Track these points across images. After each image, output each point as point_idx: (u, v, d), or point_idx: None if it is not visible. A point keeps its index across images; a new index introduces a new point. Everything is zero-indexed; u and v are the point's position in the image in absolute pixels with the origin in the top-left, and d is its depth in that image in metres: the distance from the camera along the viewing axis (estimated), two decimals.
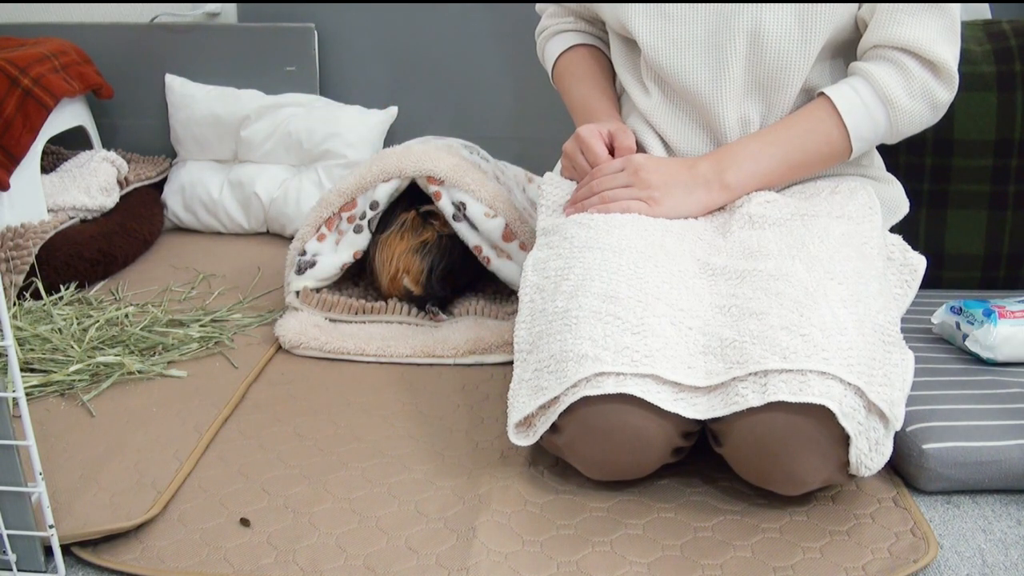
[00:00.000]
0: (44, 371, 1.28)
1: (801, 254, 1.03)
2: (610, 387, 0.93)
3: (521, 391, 1.00)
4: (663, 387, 0.94)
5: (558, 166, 1.27)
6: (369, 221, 1.42)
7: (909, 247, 1.17)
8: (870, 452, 0.93)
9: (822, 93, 1.13)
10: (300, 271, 1.43)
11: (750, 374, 0.92)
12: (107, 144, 1.98)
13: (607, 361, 0.93)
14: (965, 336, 1.23)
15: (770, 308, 0.96)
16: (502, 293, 1.52)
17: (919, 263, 1.16)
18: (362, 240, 1.43)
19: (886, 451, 0.95)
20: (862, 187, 1.17)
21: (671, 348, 0.96)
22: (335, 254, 1.43)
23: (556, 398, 0.96)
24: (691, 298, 1.02)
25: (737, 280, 1.03)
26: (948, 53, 1.10)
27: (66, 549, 0.92)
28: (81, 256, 1.61)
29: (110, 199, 1.75)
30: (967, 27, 1.53)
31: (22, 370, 1.29)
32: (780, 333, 0.93)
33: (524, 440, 1.00)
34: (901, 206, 1.27)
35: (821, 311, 0.95)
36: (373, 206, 1.41)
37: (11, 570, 0.89)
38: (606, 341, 0.95)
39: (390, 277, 1.44)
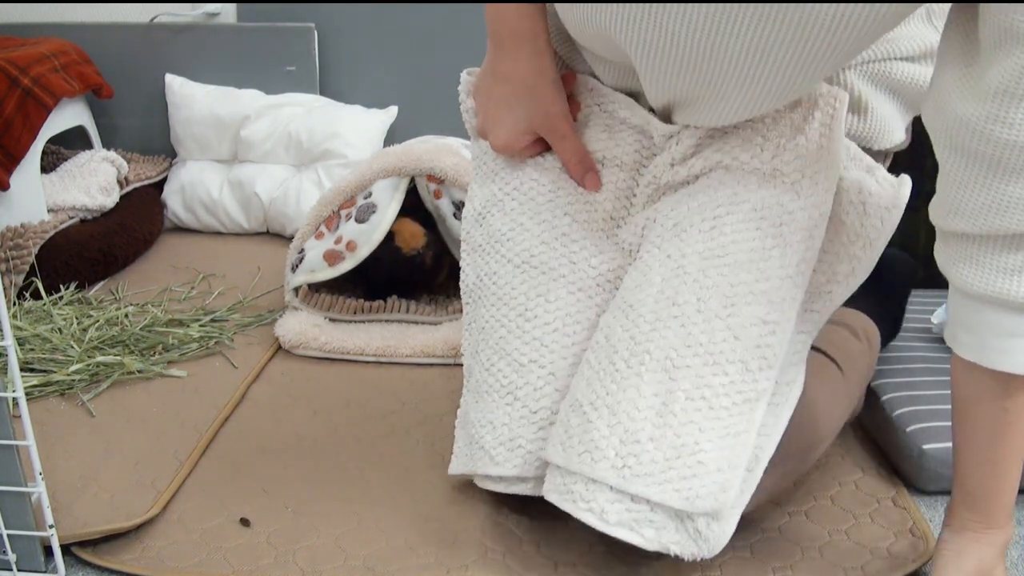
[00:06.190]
0: (44, 371, 1.28)
1: (675, 293, 0.86)
2: (501, 487, 0.94)
3: (459, 437, 0.99)
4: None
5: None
6: (358, 210, 1.41)
7: (885, 186, 0.84)
8: (688, 541, 0.82)
9: None
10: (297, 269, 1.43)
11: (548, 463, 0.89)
12: (107, 144, 1.98)
13: (500, 462, 0.93)
14: None
15: (597, 374, 0.86)
16: None
17: (887, 214, 0.84)
18: (351, 230, 1.42)
19: (719, 533, 0.82)
20: (829, 119, 0.86)
21: (553, 434, 0.89)
22: (321, 245, 1.43)
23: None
24: (578, 340, 0.94)
25: (622, 313, 0.89)
26: None
27: (66, 549, 0.92)
28: (81, 256, 1.61)
29: (110, 199, 1.75)
30: None
31: (22, 370, 1.29)
32: (572, 414, 0.86)
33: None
34: (889, 130, 0.95)
35: (628, 393, 0.83)
36: (367, 196, 1.41)
37: (11, 570, 0.89)
38: (505, 432, 0.93)
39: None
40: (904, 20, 0.84)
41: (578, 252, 0.96)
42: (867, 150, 0.91)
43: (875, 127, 0.93)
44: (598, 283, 0.95)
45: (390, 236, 1.41)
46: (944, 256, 0.77)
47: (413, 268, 1.46)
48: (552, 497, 0.86)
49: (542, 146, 0.98)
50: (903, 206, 0.83)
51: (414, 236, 1.44)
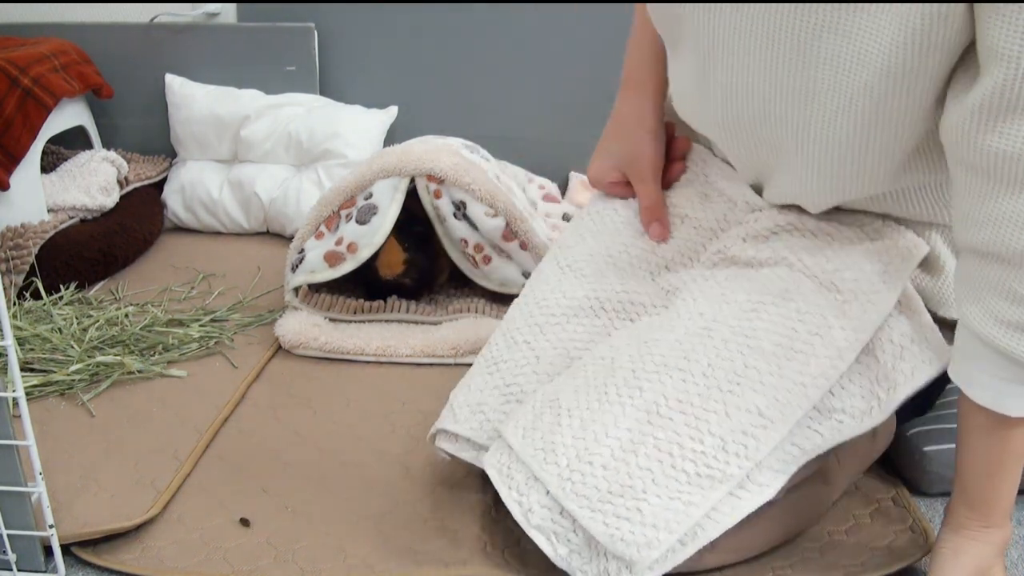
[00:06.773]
0: (44, 371, 1.28)
1: (691, 349, 0.87)
2: (454, 448, 0.96)
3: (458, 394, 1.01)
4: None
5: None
6: (359, 211, 1.41)
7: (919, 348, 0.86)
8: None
9: None
10: (297, 269, 1.43)
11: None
12: (107, 144, 1.98)
13: (460, 420, 0.96)
14: None
15: (588, 387, 0.88)
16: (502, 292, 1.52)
17: (922, 367, 0.86)
18: (352, 231, 1.42)
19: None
20: (900, 260, 0.88)
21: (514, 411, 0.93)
22: (321, 245, 1.43)
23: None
24: (575, 337, 0.97)
25: (636, 346, 0.91)
26: None
27: (66, 549, 0.92)
28: (81, 256, 1.61)
29: (110, 199, 1.75)
30: None
31: (22, 370, 1.29)
32: (547, 409, 0.88)
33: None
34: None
35: (606, 417, 0.84)
36: (367, 197, 1.41)
37: (11, 570, 0.89)
38: (476, 396, 0.96)
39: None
40: None
41: (613, 272, 0.99)
42: (932, 315, 0.90)
43: (945, 292, 0.92)
44: (620, 300, 0.97)
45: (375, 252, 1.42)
46: (958, 288, 0.78)
47: (392, 288, 1.48)
48: (491, 472, 0.88)
49: (628, 190, 1.03)
50: (940, 368, 0.86)
51: (392, 266, 1.45)
